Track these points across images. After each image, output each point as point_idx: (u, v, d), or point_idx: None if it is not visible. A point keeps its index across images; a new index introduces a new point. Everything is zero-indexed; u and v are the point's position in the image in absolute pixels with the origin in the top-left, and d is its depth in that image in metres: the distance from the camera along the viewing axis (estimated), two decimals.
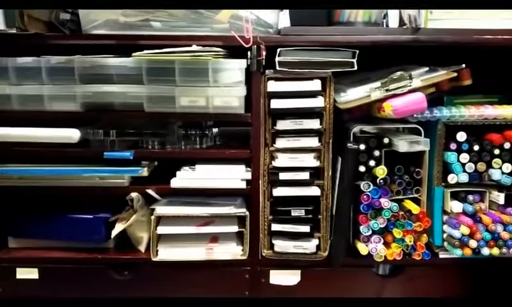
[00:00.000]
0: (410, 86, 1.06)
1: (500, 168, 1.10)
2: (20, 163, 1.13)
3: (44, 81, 1.10)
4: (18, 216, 1.19)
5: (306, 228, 1.12)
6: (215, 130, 1.22)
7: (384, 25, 1.14)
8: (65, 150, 1.11)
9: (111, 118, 1.14)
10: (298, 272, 1.17)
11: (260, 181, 1.12)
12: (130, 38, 1.08)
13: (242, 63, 1.08)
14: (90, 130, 1.13)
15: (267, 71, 1.09)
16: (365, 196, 1.10)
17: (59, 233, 1.17)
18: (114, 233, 1.13)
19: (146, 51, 1.05)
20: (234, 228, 1.14)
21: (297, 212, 1.12)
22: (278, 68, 1.07)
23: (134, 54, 1.05)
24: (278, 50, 1.06)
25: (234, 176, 1.14)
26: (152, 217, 1.12)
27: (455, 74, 1.10)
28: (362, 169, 1.10)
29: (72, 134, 1.10)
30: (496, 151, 1.10)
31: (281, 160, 1.11)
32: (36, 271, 1.16)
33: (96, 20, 1.09)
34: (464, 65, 1.11)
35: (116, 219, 1.16)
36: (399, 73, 1.06)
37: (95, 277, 1.17)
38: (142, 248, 1.18)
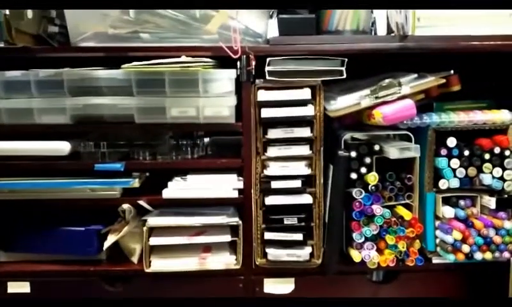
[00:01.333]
0: (399, 93, 1.06)
1: (491, 173, 1.11)
2: (10, 176, 1.12)
3: (33, 94, 1.09)
4: (8, 229, 1.18)
5: (299, 236, 1.11)
6: (206, 140, 1.22)
7: (373, 33, 1.15)
8: (56, 163, 1.11)
9: (102, 130, 1.13)
10: (292, 280, 1.17)
11: (252, 190, 1.12)
12: (119, 49, 1.08)
13: (231, 73, 1.08)
14: (81, 143, 1.13)
15: (257, 81, 1.09)
16: (357, 203, 1.10)
17: (51, 246, 1.16)
18: (106, 245, 1.13)
19: (135, 63, 1.05)
20: (227, 238, 1.13)
21: (289, 220, 1.12)
22: (267, 77, 1.07)
23: (123, 66, 1.05)
24: (268, 59, 1.06)
25: (226, 185, 1.14)
26: (144, 228, 1.12)
27: (443, 80, 1.10)
28: (354, 176, 1.10)
29: (62, 147, 1.10)
30: (487, 156, 1.11)
31: (273, 169, 1.11)
32: (27, 285, 1.15)
33: (84, 33, 1.09)
34: (452, 71, 1.12)
35: (108, 230, 1.15)
36: (387, 80, 1.07)
37: (88, 289, 1.16)
38: (135, 259, 1.18)
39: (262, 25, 1.12)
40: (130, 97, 1.08)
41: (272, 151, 1.10)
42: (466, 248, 1.09)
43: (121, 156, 1.15)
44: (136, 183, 1.13)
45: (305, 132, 1.09)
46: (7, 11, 1.03)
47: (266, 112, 1.08)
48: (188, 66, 1.04)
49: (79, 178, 1.12)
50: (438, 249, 1.15)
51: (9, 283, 1.15)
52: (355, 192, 1.10)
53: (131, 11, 1.07)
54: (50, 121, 1.11)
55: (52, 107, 1.10)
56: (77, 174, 1.13)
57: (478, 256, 1.10)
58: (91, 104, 1.09)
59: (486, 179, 1.10)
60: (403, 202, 1.13)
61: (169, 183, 1.14)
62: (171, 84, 1.08)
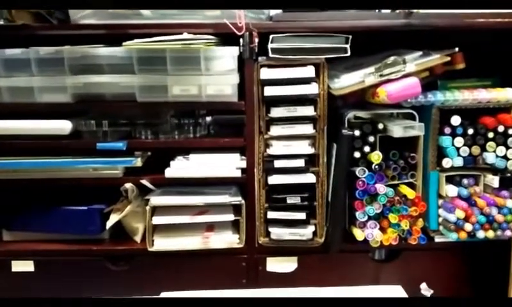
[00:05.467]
0: (404, 70, 1.05)
1: (494, 151, 1.11)
2: (12, 156, 1.12)
3: (34, 73, 1.08)
4: (12, 209, 1.18)
5: (302, 215, 1.12)
6: (208, 118, 1.21)
7: (377, 10, 1.13)
8: (57, 142, 1.10)
9: (103, 109, 1.13)
10: (295, 258, 1.18)
11: (255, 170, 1.12)
12: (120, 27, 1.06)
13: (234, 51, 1.07)
14: (82, 122, 1.12)
15: (259, 59, 1.08)
16: (360, 182, 1.10)
17: (54, 225, 1.17)
18: (109, 224, 1.13)
19: (136, 40, 1.03)
20: (230, 217, 1.13)
21: (292, 199, 1.12)
22: (270, 55, 1.06)
23: (124, 44, 1.04)
24: (271, 36, 1.05)
25: (229, 164, 1.13)
26: (147, 208, 1.12)
27: (448, 58, 1.09)
28: (357, 155, 1.10)
29: (63, 126, 1.09)
30: (491, 135, 1.10)
31: (276, 148, 1.10)
32: (31, 264, 1.16)
33: (85, 10, 1.07)
34: (457, 49, 1.11)
35: (110, 210, 1.15)
36: (392, 58, 1.05)
37: (91, 268, 1.17)
38: (138, 238, 1.18)
39: None
40: (132, 75, 1.07)
41: (275, 130, 1.10)
42: (468, 227, 1.10)
43: (123, 135, 1.14)
44: (138, 162, 1.13)
45: (309, 111, 1.08)
46: None
47: (269, 91, 1.07)
48: (190, 44, 1.03)
49: (81, 157, 1.12)
50: (441, 227, 1.15)
51: (13, 262, 1.16)
52: (358, 171, 1.10)
53: None
54: (51, 99, 1.10)
55: (52, 86, 1.09)
56: (78, 153, 1.12)
57: (480, 234, 1.10)
58: (92, 82, 1.08)
59: (490, 158, 1.10)
60: (406, 181, 1.13)
61: (172, 163, 1.14)
62: (172, 62, 1.06)
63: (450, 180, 1.14)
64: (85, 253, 1.16)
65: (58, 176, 1.12)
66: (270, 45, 1.05)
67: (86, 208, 1.15)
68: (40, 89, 1.09)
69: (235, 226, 1.16)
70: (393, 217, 1.11)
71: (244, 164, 1.13)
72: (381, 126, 1.09)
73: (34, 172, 1.12)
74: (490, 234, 1.10)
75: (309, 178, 1.11)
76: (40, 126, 1.09)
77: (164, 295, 0.95)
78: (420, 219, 1.13)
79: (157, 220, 1.12)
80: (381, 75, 1.05)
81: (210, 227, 1.16)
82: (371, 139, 1.10)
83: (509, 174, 1.12)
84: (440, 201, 1.15)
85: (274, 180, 1.11)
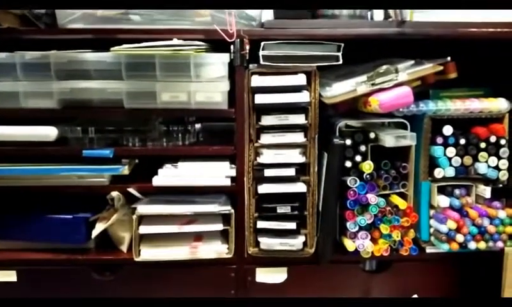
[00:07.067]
0: (396, 79, 1.04)
1: (486, 162, 1.10)
2: None
3: (19, 77, 1.06)
4: None
5: (292, 225, 1.10)
6: (198, 126, 1.19)
7: (369, 18, 1.12)
8: (42, 149, 1.08)
9: (90, 115, 1.10)
10: (285, 269, 1.16)
11: (245, 178, 1.10)
12: (108, 31, 1.04)
13: (225, 57, 1.05)
14: (68, 128, 1.10)
15: (250, 66, 1.07)
16: (351, 192, 1.08)
17: (38, 234, 1.13)
18: (94, 233, 1.10)
19: (125, 45, 1.02)
20: (219, 226, 1.11)
21: (283, 209, 1.10)
22: (261, 62, 1.04)
23: (112, 49, 1.02)
24: (262, 43, 1.04)
25: (218, 173, 1.11)
26: (134, 217, 1.09)
27: (441, 67, 1.09)
28: (348, 164, 1.08)
29: (49, 132, 1.07)
30: (483, 145, 1.10)
31: (266, 157, 1.08)
32: (14, 274, 1.13)
33: (72, 14, 1.05)
34: (449, 58, 1.10)
35: (96, 218, 1.13)
36: (385, 66, 1.05)
37: (76, 278, 1.14)
38: (124, 248, 1.15)
39: None
40: (120, 81, 1.05)
41: (265, 139, 1.08)
42: (460, 238, 1.09)
43: (110, 142, 1.12)
44: (125, 170, 1.10)
45: (300, 119, 1.07)
46: None
47: (260, 98, 1.05)
48: (180, 50, 1.01)
49: (67, 164, 1.09)
50: (432, 238, 1.14)
51: None
52: (350, 180, 1.08)
53: None
54: (36, 105, 1.07)
55: (38, 91, 1.06)
56: (64, 160, 1.10)
57: (472, 245, 1.09)
58: (79, 88, 1.05)
59: (482, 168, 1.09)
60: (398, 191, 1.12)
61: (160, 171, 1.11)
62: (162, 68, 1.05)
63: (441, 190, 1.13)
64: (70, 263, 1.12)
65: (43, 184, 1.09)
66: (261, 52, 1.04)
67: (71, 216, 1.12)
68: (25, 95, 1.06)
69: (224, 235, 1.14)
70: (384, 228, 1.09)
71: (233, 173, 1.11)
72: (372, 135, 1.08)
73: (17, 179, 1.09)
74: (482, 245, 1.10)
75: (300, 187, 1.09)
76: (25, 132, 1.07)
77: None
78: (412, 230, 1.11)
79: (144, 229, 1.10)
80: (373, 84, 1.04)
81: (199, 237, 1.14)
82: (362, 148, 1.08)
83: (500, 185, 1.11)
84: (432, 212, 1.14)
85: (264, 189, 1.09)
